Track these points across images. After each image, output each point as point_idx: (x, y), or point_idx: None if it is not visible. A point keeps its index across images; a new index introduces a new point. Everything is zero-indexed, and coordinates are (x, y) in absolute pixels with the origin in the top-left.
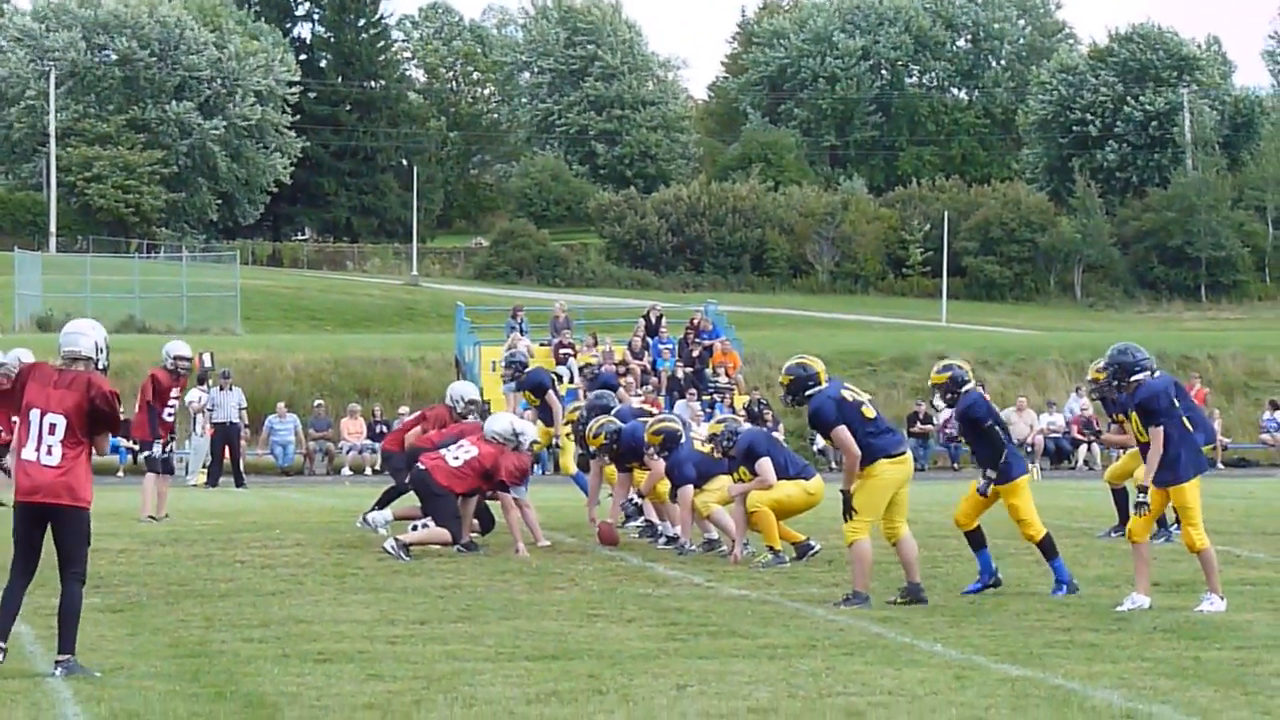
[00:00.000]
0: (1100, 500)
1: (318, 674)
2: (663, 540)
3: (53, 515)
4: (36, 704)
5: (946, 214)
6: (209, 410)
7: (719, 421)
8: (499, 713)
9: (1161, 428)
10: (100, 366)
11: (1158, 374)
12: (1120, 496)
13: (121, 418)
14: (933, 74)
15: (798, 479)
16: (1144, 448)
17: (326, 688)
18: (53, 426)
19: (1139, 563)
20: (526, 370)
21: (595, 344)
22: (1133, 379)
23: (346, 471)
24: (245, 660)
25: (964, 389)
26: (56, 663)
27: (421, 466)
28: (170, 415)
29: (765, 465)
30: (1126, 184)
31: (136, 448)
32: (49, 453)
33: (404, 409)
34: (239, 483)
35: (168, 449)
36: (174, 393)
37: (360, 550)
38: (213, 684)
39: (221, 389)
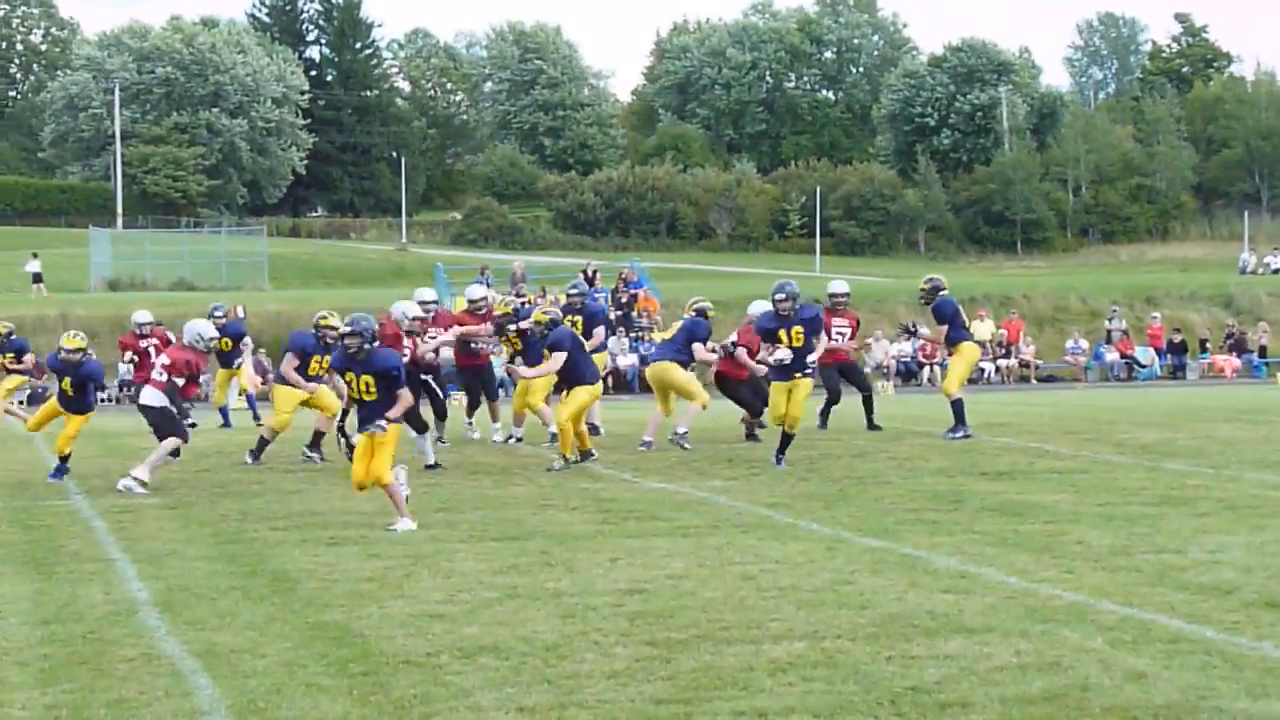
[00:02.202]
0: (939, 409)
1: (329, 554)
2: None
3: None
4: (108, 581)
5: (818, 188)
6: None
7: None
8: (471, 582)
9: (947, 327)
10: None
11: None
12: (956, 405)
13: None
14: (806, 79)
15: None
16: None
17: (336, 565)
18: None
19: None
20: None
21: (544, 294)
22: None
23: None
24: (272, 545)
25: (941, 293)
26: None
27: None
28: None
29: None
30: (958, 163)
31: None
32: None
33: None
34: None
35: None
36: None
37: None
38: (247, 564)
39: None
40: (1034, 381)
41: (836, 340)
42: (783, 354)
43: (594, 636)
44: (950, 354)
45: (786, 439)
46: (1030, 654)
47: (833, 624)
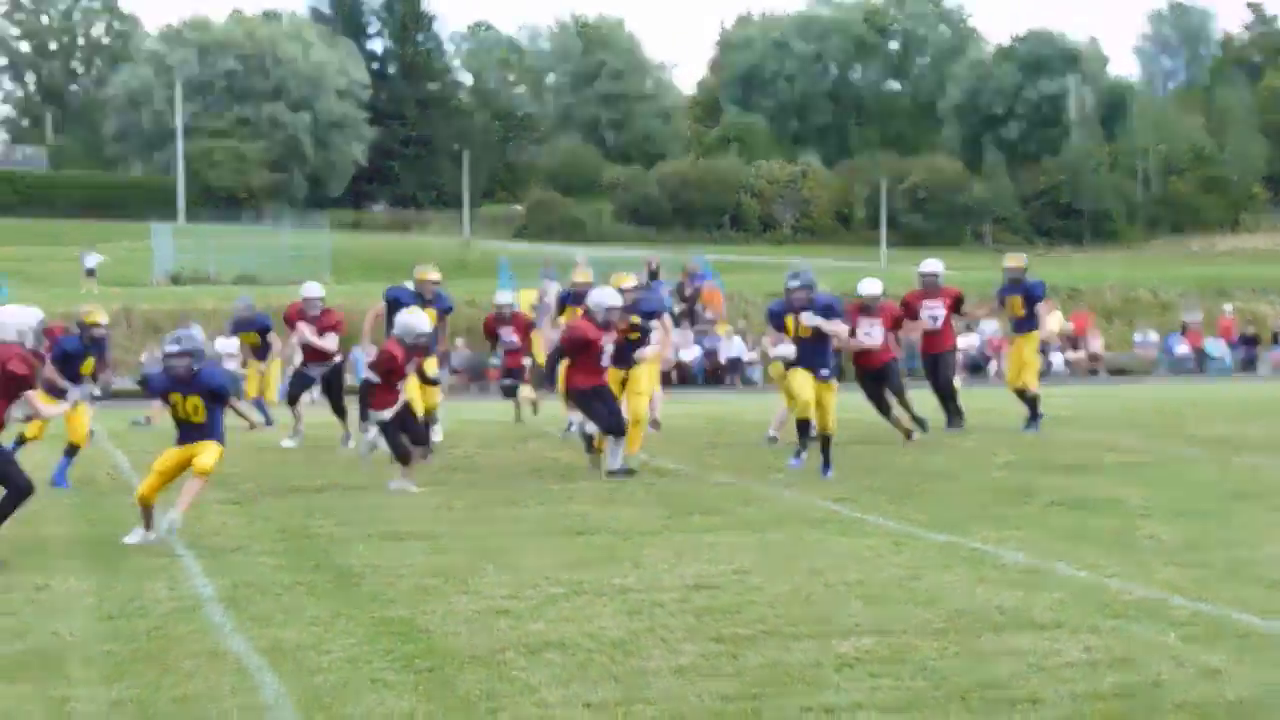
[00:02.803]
0: (1007, 402)
1: (394, 550)
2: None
3: None
4: (174, 577)
5: (884, 180)
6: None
7: None
8: (537, 578)
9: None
10: (29, 346)
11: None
12: (1036, 398)
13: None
14: (871, 71)
15: None
16: (1019, 321)
17: (401, 560)
18: None
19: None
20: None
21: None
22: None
23: None
24: (337, 540)
25: (1027, 275)
26: None
27: None
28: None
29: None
30: (1026, 154)
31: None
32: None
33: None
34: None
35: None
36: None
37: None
38: (311, 559)
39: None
40: (1103, 374)
41: (929, 324)
42: (786, 349)
43: (660, 632)
44: (1015, 341)
45: (825, 441)
46: (1101, 650)
47: (901, 619)
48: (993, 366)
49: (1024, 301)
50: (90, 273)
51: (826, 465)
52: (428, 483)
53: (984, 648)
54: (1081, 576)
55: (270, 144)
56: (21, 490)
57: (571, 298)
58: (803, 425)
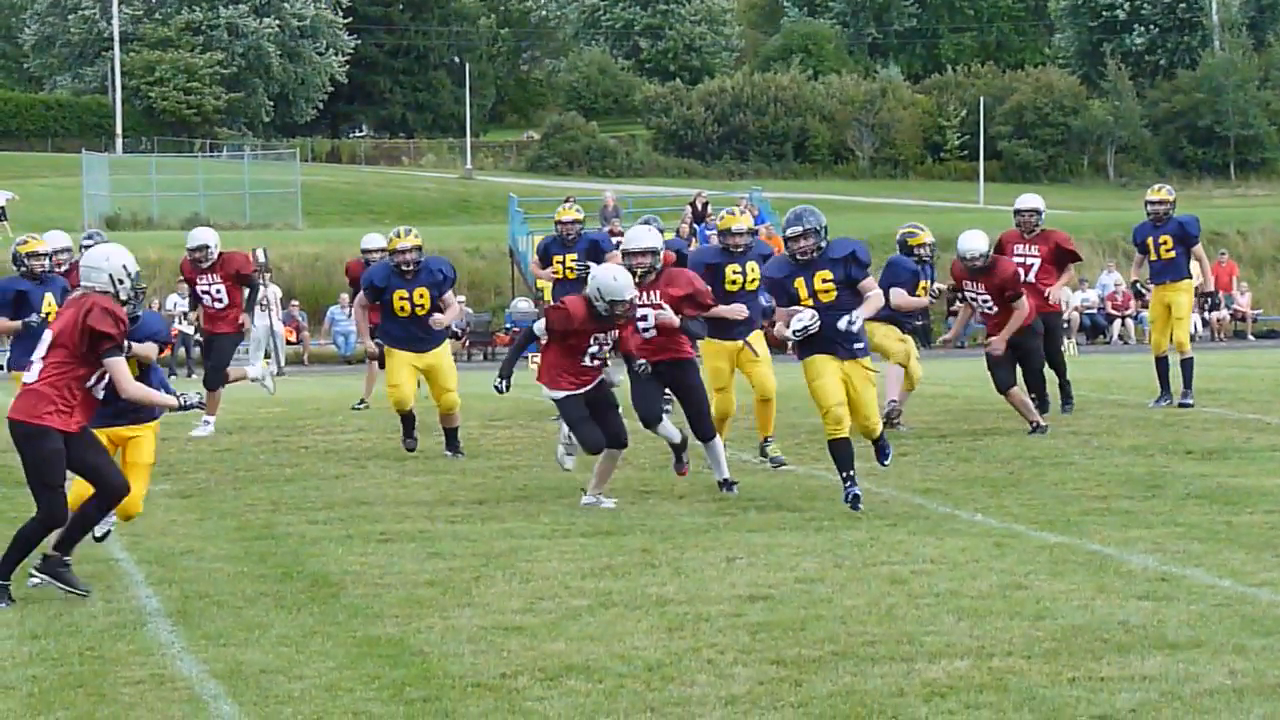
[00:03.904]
0: (1133, 373)
1: (380, 553)
2: None
3: (13, 434)
4: (110, 587)
5: (982, 99)
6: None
7: None
8: (555, 587)
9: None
10: (123, 298)
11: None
12: (1189, 363)
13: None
14: None
15: None
16: (1165, 266)
17: (389, 566)
18: (43, 343)
19: None
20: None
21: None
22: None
23: None
24: (310, 542)
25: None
26: None
27: None
28: None
29: None
30: (1156, 66)
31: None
32: (31, 370)
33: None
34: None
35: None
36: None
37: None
38: (279, 565)
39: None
40: (1251, 338)
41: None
42: (804, 319)
43: (707, 654)
44: (1160, 293)
45: (874, 441)
46: (1248, 674)
47: (1002, 638)
48: (1115, 328)
49: (1174, 242)
50: (2, 214)
51: (882, 453)
52: (420, 471)
53: (1104, 672)
54: (1224, 585)
55: (228, 56)
56: (116, 491)
57: (558, 244)
58: (840, 449)
